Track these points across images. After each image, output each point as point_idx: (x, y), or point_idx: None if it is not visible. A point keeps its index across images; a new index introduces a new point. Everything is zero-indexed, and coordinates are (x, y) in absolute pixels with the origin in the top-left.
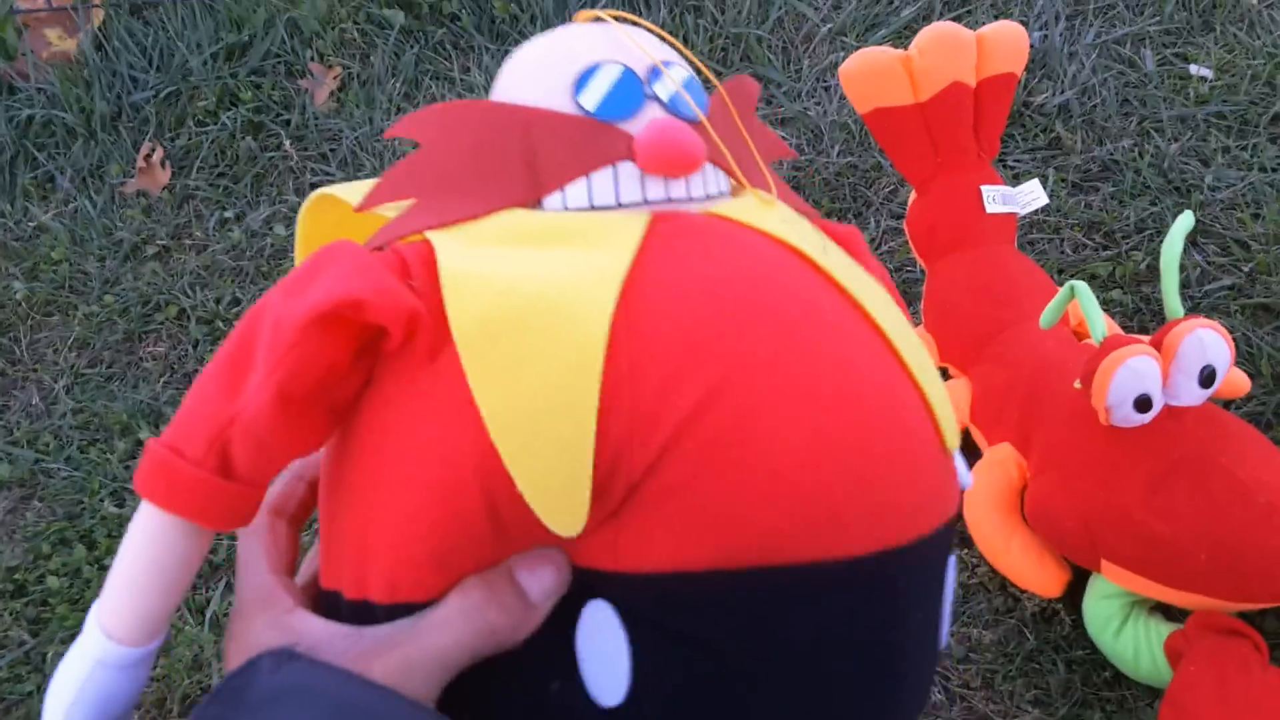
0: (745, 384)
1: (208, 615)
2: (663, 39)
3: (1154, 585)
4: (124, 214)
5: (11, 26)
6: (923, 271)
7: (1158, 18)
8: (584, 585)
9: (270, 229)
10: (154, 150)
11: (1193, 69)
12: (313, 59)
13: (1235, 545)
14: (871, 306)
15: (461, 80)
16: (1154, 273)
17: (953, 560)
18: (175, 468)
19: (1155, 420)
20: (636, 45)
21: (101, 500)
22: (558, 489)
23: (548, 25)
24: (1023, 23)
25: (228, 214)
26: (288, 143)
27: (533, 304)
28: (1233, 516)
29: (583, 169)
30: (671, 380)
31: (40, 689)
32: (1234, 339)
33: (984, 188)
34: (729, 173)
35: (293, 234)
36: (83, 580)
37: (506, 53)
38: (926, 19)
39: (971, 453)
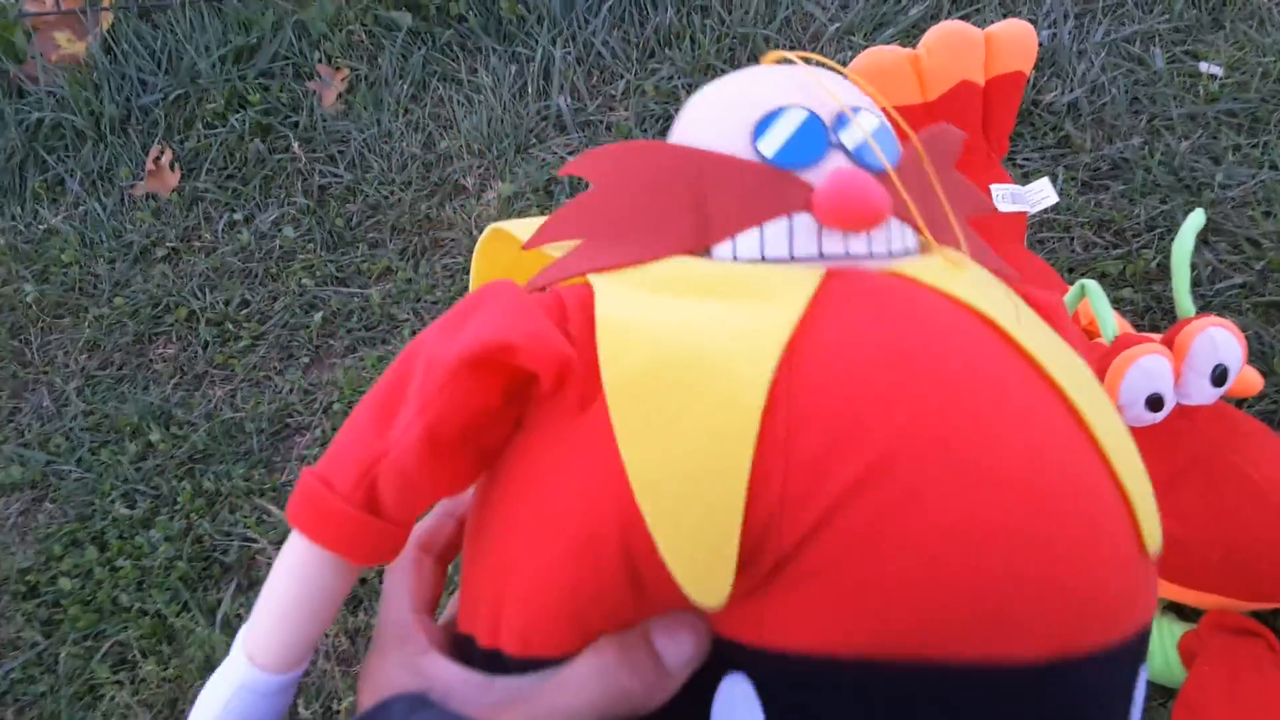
0: (911, 462)
1: (218, 617)
2: (856, 85)
3: (1167, 585)
4: (133, 216)
5: (20, 29)
6: None
7: (1167, 15)
8: (724, 656)
9: (279, 230)
10: (163, 153)
11: (1203, 67)
12: (320, 61)
13: (1249, 544)
14: (1067, 384)
15: (469, 81)
16: (1165, 271)
17: (1144, 672)
18: (323, 500)
19: (1167, 420)
20: (825, 90)
21: (113, 502)
22: (702, 558)
23: (555, 26)
24: (1031, 21)
25: (236, 216)
26: (296, 144)
27: (689, 360)
28: (1246, 516)
29: (756, 218)
30: (831, 452)
31: (53, 689)
32: (1246, 337)
33: (993, 187)
34: (916, 228)
35: (302, 235)
36: (94, 581)
37: (514, 54)
38: (934, 18)
39: None
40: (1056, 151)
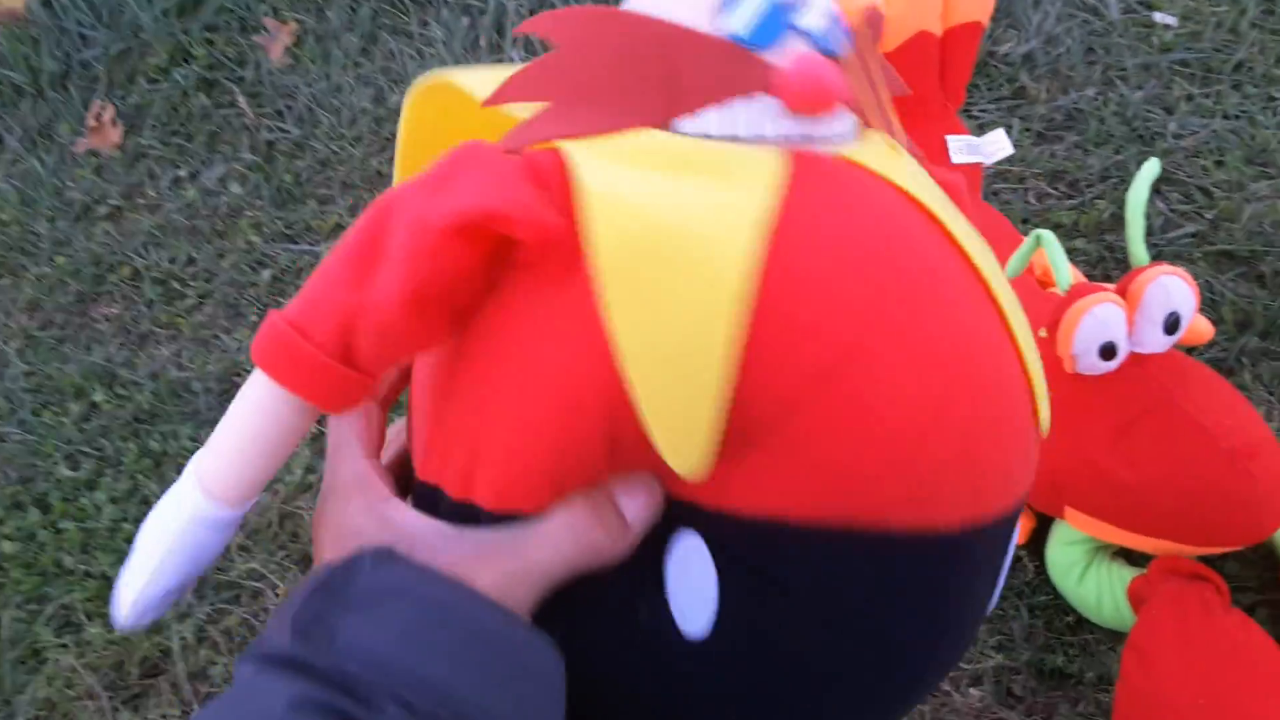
0: (877, 347)
1: None
2: None
3: (1118, 531)
4: (75, 174)
5: None
6: None
7: None
8: (676, 516)
9: (225, 187)
10: (105, 109)
11: (1157, 16)
12: (267, 14)
13: (1199, 490)
14: (987, 272)
15: (420, 35)
16: (1118, 221)
17: (1016, 530)
18: (298, 347)
19: (1120, 368)
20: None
21: (55, 463)
22: (683, 428)
23: None
24: None
25: (181, 173)
26: (242, 100)
27: (677, 234)
28: (1197, 462)
29: (722, 95)
30: (809, 335)
31: None
32: (1197, 286)
33: (949, 138)
34: (859, 114)
35: (249, 191)
36: (37, 544)
37: (465, 6)
38: None
39: None
40: (1012, 102)
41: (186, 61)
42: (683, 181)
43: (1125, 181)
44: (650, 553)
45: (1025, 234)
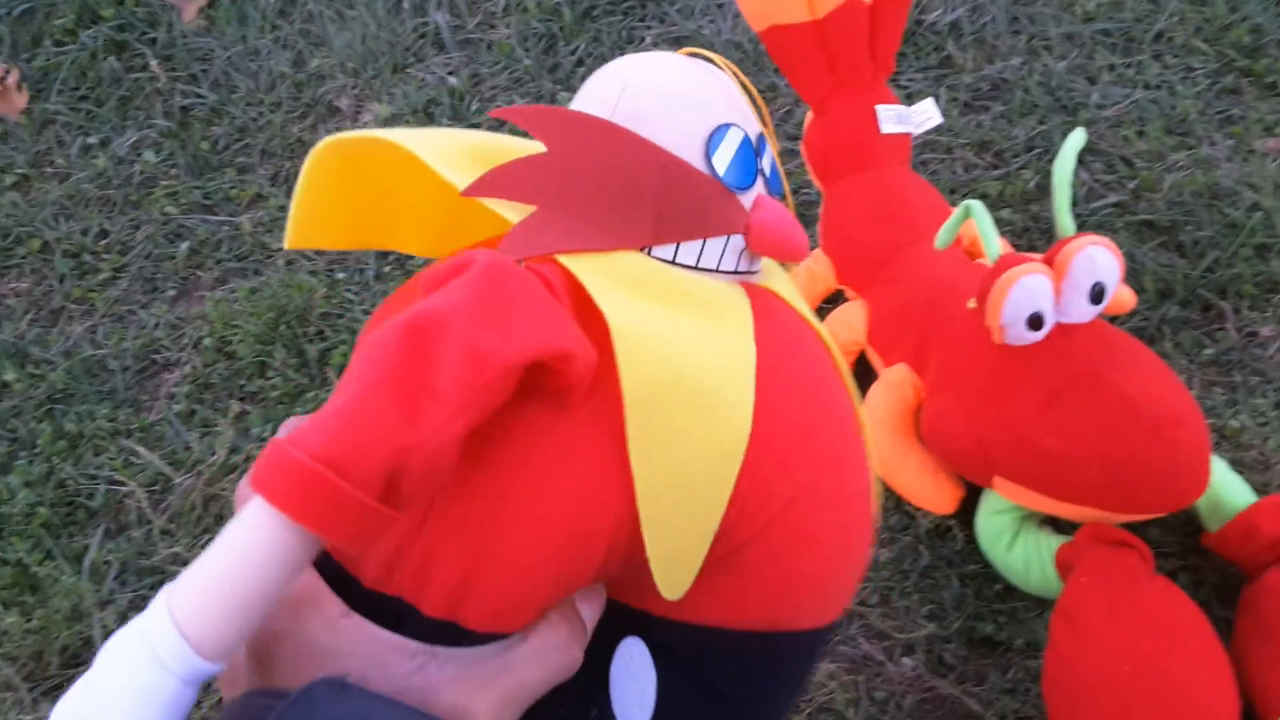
0: (817, 483)
1: (85, 564)
2: (747, 90)
3: (1045, 499)
4: None
5: None
6: (819, 194)
7: None
8: (624, 624)
9: (139, 155)
10: (8, 72)
11: None
12: None
13: (1123, 458)
14: (844, 367)
15: None
16: (1043, 191)
17: None
18: (339, 491)
19: (1047, 338)
20: (747, 105)
21: None
22: (680, 559)
23: None
24: None
25: (91, 140)
26: (154, 63)
27: (697, 383)
28: (1121, 430)
29: (705, 233)
30: (777, 473)
31: None
32: (1122, 256)
33: (879, 108)
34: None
35: (164, 160)
36: None
37: None
38: None
39: (868, 375)
40: (939, 72)
41: (95, 22)
42: (685, 320)
43: (1050, 152)
44: (597, 658)
45: (953, 204)
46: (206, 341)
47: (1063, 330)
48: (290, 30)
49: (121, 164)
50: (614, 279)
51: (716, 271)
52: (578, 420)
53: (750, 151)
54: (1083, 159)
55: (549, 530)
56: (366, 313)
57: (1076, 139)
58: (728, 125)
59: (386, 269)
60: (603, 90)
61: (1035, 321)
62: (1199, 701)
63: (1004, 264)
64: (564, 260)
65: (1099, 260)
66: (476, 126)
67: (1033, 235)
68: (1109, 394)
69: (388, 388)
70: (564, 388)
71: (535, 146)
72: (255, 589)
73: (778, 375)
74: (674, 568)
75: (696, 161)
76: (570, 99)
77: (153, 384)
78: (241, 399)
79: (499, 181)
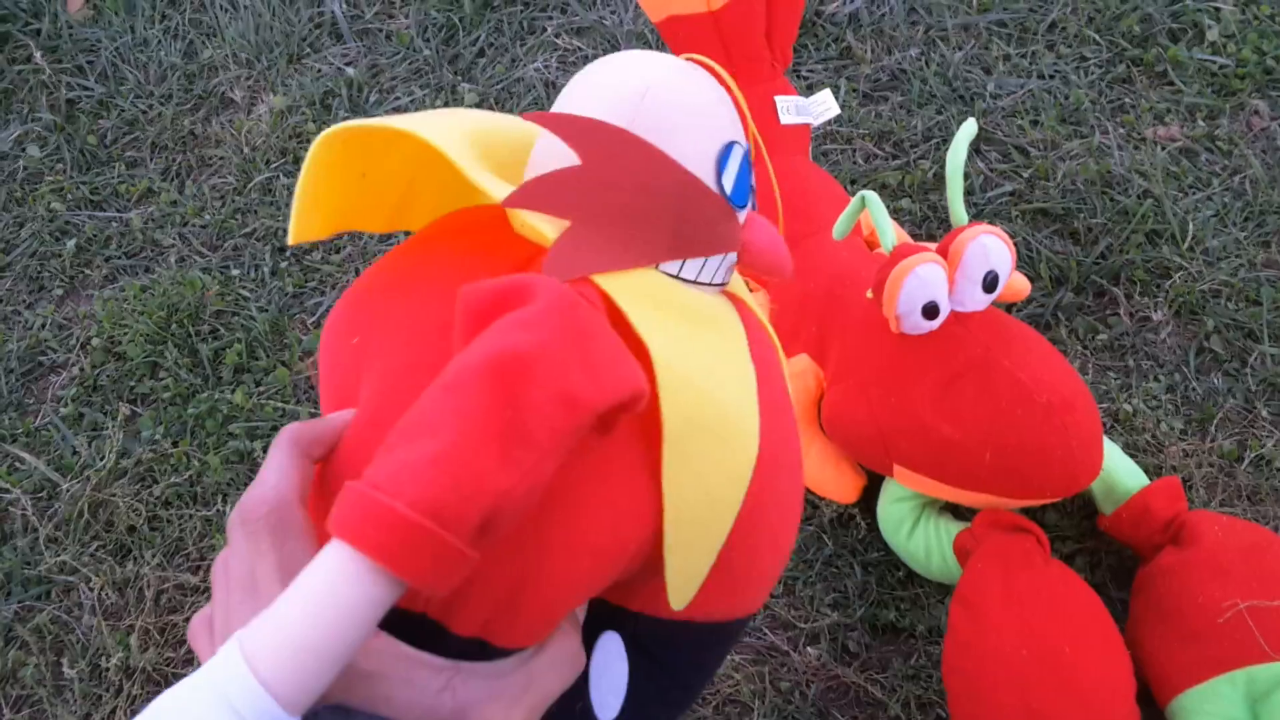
0: (777, 493)
1: None
2: (730, 92)
3: (943, 486)
4: None
5: None
6: None
7: None
8: (603, 619)
9: (22, 150)
10: None
11: None
12: None
13: (1017, 444)
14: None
15: None
16: (941, 181)
17: None
18: (438, 541)
19: (943, 326)
20: (740, 115)
21: None
22: (692, 571)
23: None
24: None
25: None
26: (38, 54)
27: (722, 412)
28: (1015, 417)
29: (712, 251)
30: (765, 485)
31: None
32: (1015, 243)
33: (778, 98)
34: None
35: (49, 154)
36: None
37: None
38: None
39: None
40: (839, 63)
41: None
42: (702, 343)
43: (947, 141)
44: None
45: (852, 194)
46: (95, 342)
47: (958, 318)
48: (180, 20)
49: (4, 159)
50: (643, 301)
51: (710, 284)
52: (616, 444)
53: (749, 169)
54: (978, 148)
55: (589, 550)
56: (262, 309)
57: (968, 129)
58: (733, 143)
59: (283, 265)
60: (621, 92)
61: (930, 310)
62: (1095, 682)
63: (899, 254)
64: (599, 281)
65: (991, 249)
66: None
67: (931, 224)
68: (1002, 380)
69: (482, 434)
70: (617, 418)
71: (528, 128)
72: (346, 639)
73: (765, 392)
74: (687, 582)
75: (708, 179)
76: (471, 91)
77: (38, 387)
78: (131, 401)
79: (538, 194)
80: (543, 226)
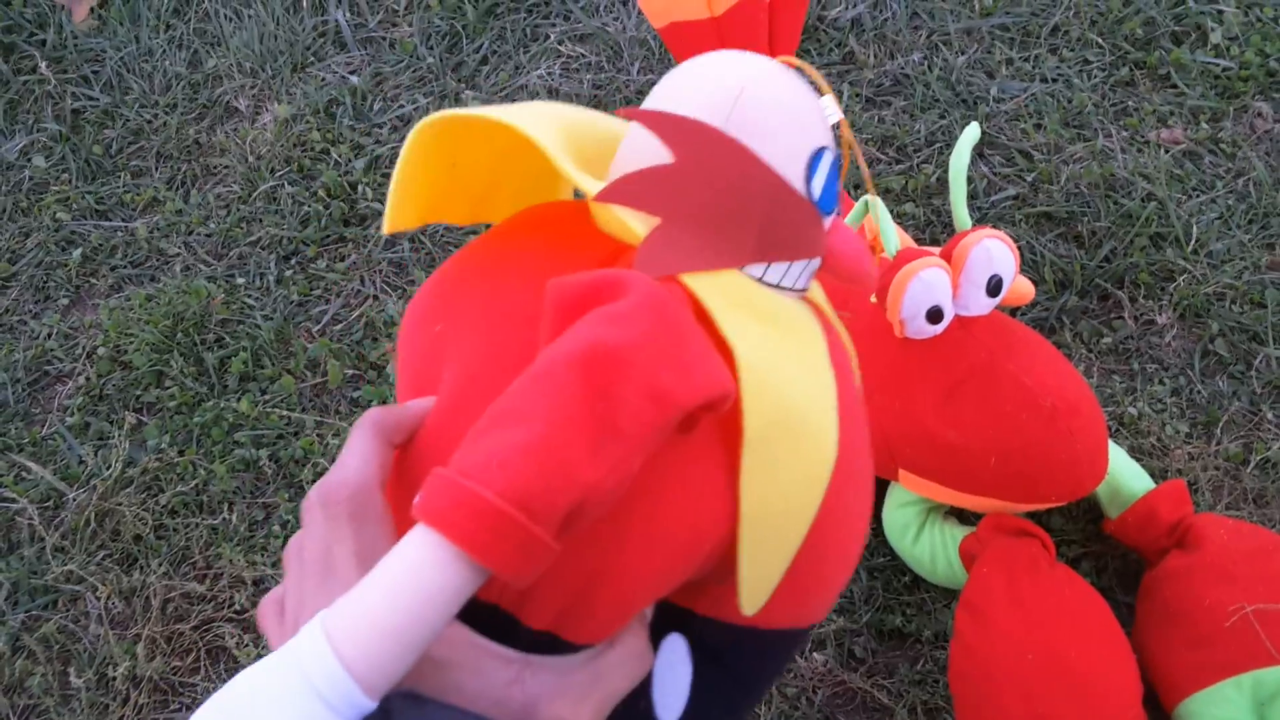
0: (849, 503)
1: None
2: (831, 101)
3: (948, 491)
4: None
5: None
6: None
7: None
8: (669, 621)
9: (28, 160)
10: None
11: None
12: None
13: (1022, 448)
14: (855, 364)
15: None
16: (944, 185)
17: None
18: (526, 532)
19: (947, 331)
20: (831, 120)
21: None
22: (766, 576)
23: None
24: None
25: None
26: (44, 65)
27: (802, 418)
28: (1019, 421)
29: (797, 256)
30: (839, 494)
31: None
32: (1019, 247)
33: None
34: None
35: (55, 164)
36: None
37: None
38: None
39: None
40: (841, 68)
41: None
42: (785, 347)
43: (950, 146)
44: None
45: (855, 200)
46: (100, 351)
47: (962, 323)
48: (185, 30)
49: (10, 169)
50: (728, 302)
51: (791, 289)
52: (696, 443)
53: (837, 175)
54: (982, 152)
55: (665, 548)
56: (267, 318)
57: (970, 134)
58: (824, 149)
59: (288, 273)
60: (716, 91)
61: (934, 315)
62: (1102, 687)
63: (902, 259)
64: (686, 280)
65: (995, 253)
66: (379, 127)
67: (935, 229)
68: (1007, 385)
69: (572, 426)
70: (701, 417)
71: (612, 123)
72: (428, 625)
73: (842, 399)
74: (759, 586)
75: (797, 183)
76: (474, 98)
77: (45, 396)
78: (137, 410)
79: (631, 190)
80: (632, 222)
